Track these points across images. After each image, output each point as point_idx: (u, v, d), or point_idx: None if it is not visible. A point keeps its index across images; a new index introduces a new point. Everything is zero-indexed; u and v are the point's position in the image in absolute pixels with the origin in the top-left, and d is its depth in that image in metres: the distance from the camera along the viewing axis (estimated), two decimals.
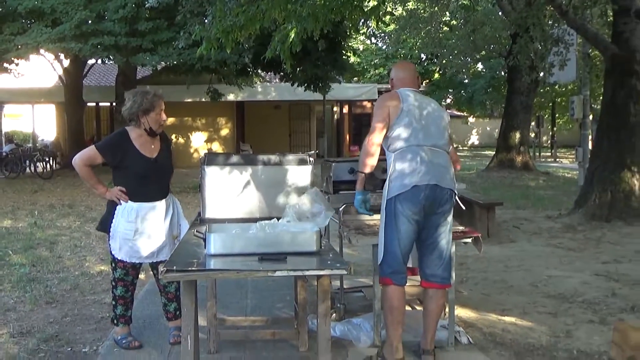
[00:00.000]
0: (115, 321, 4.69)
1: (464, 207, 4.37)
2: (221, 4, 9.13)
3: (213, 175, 4.22)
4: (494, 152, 22.89)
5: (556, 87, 24.47)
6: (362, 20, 10.36)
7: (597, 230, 9.60)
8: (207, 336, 4.56)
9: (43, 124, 33.48)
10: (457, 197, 4.27)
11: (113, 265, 4.60)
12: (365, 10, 7.24)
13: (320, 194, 3.71)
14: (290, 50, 6.30)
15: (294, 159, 4.31)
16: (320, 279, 2.99)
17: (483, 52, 27.52)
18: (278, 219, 4.05)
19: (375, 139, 4.20)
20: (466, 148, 43.95)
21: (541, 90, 26.38)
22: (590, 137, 15.97)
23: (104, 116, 27.50)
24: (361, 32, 36.06)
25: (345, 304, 5.25)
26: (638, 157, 10.39)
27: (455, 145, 4.44)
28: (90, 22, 12.77)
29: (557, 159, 31.76)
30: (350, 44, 26.94)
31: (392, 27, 32.09)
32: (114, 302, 4.68)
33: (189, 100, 24.20)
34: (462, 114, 45.75)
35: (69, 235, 9.72)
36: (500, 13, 20.50)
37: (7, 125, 32.75)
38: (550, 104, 33.98)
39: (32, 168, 21.80)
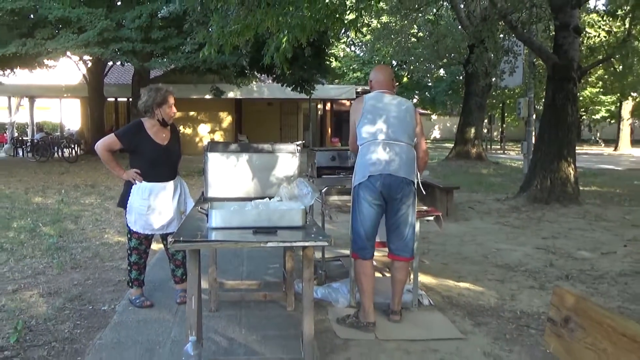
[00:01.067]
0: (130, 284, 4.67)
1: (424, 192, 4.36)
2: (222, 12, 9.09)
3: (215, 161, 4.20)
4: (453, 145, 22.99)
5: (506, 90, 24.52)
6: (343, 31, 10.32)
7: (538, 211, 9.68)
8: (209, 297, 4.54)
9: (69, 115, 33.27)
10: (418, 183, 4.27)
11: (129, 236, 4.58)
12: (346, 22, 7.18)
13: (308, 181, 3.70)
14: (284, 55, 6.25)
15: (283, 148, 4.29)
16: (306, 250, 2.99)
17: (445, 60, 27.59)
18: (270, 198, 4.05)
19: (350, 140, 4.34)
20: (429, 141, 43.99)
21: (493, 93, 26.48)
22: (533, 133, 16.03)
23: (121, 109, 27.30)
24: (342, 40, 36.03)
25: (325, 271, 5.27)
26: (573, 150, 10.50)
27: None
28: (110, 30, 12.60)
29: (506, 151, 31.98)
30: (332, 51, 26.90)
31: (368, 37, 32.09)
32: (129, 268, 4.66)
33: (195, 97, 24.01)
34: (426, 112, 45.80)
35: (91, 211, 9.64)
36: (459, 27, 20.51)
37: (38, 116, 32.42)
38: (500, 105, 34.13)
39: (60, 153, 21.63)
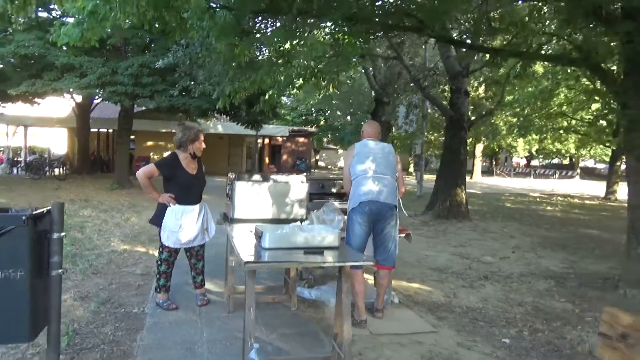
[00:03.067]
0: (158, 290, 4.17)
1: (406, 214, 4.18)
2: (207, 67, 8.63)
3: (241, 188, 3.82)
4: None
5: (402, 133, 25.00)
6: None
7: (442, 225, 9.76)
8: (227, 300, 4.13)
9: (54, 141, 31.01)
10: (400, 207, 4.10)
11: (160, 249, 4.09)
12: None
13: (334, 206, 3.40)
14: (270, 103, 5.94)
15: (295, 179, 3.98)
16: (345, 267, 2.70)
17: (351, 110, 27.95)
18: (286, 220, 3.73)
19: (345, 180, 4.14)
20: (336, 169, 44.21)
21: (395, 134, 26.90)
22: (424, 166, 16.42)
23: (102, 138, 25.69)
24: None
25: (313, 276, 4.94)
26: (464, 180, 10.72)
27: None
28: (107, 75, 11.72)
29: None
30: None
31: (295, 90, 31.99)
32: (157, 276, 4.16)
33: (164, 130, 22.93)
34: (335, 147, 46.22)
35: (92, 222, 8.77)
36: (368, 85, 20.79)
37: (28, 140, 29.87)
38: (397, 143, 34.53)
39: (51, 172, 19.93)
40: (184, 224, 3.96)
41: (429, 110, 14.44)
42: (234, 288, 4.15)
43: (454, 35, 6.76)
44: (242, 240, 3.04)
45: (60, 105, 23.52)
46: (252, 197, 3.82)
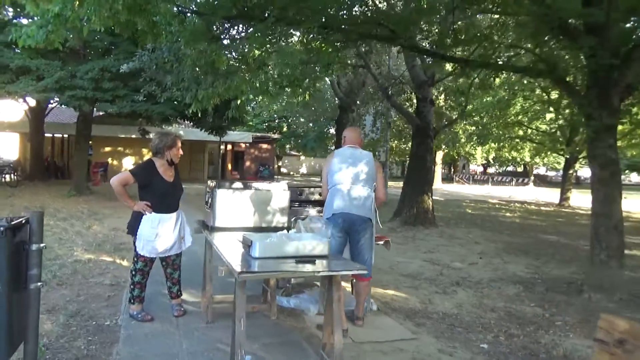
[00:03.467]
0: (132, 300, 4.02)
1: (381, 226, 4.21)
2: (176, 73, 8.46)
3: (222, 196, 3.75)
4: None
5: (366, 140, 25.27)
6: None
7: (410, 231, 9.89)
8: (205, 310, 4.03)
9: (3, 146, 29.64)
10: (376, 218, 4.10)
11: (135, 259, 3.96)
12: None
13: (318, 216, 3.38)
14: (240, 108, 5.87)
15: (277, 187, 3.94)
16: (336, 276, 2.69)
17: (314, 117, 28.07)
18: (268, 228, 3.68)
19: (323, 187, 4.15)
20: (299, 175, 44.23)
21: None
22: (389, 172, 16.63)
23: (57, 144, 24.70)
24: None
25: (290, 285, 4.89)
26: (430, 187, 10.91)
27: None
28: (65, 78, 11.27)
29: None
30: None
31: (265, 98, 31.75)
32: (132, 286, 4.01)
33: (123, 135, 22.30)
34: (298, 153, 46.21)
35: (51, 230, 8.37)
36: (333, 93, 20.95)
37: None
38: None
39: (1, 179, 18.98)
40: (160, 232, 3.85)
41: (393, 118, 14.64)
42: (212, 298, 4.05)
43: (423, 45, 6.90)
44: (229, 249, 2.97)
45: (12, 108, 22.48)
46: (234, 205, 3.75)
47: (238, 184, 3.81)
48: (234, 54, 6.56)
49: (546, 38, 5.62)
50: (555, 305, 5.11)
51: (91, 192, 15.31)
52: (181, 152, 4.00)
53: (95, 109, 13.30)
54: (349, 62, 10.96)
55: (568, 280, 6.23)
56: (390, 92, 11.12)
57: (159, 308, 4.28)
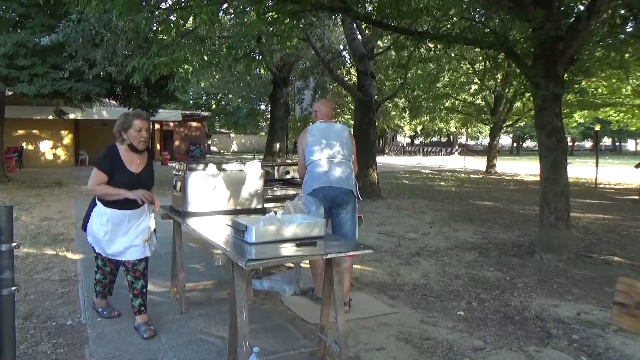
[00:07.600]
0: (96, 294, 3.70)
1: (360, 199, 4.14)
2: (108, 47, 7.82)
3: (194, 180, 3.50)
4: (263, 156, 22.80)
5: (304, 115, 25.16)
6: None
7: (359, 204, 9.97)
8: (179, 300, 3.80)
9: None
10: (356, 192, 4.05)
11: (95, 254, 3.59)
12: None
13: (308, 196, 3.23)
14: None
15: (250, 167, 3.74)
16: (335, 257, 2.59)
17: (244, 93, 27.46)
18: (242, 210, 3.51)
19: (300, 165, 4.03)
20: (229, 153, 43.21)
21: (291, 117, 26.89)
22: None
23: None
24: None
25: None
26: (374, 161, 11.03)
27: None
28: None
29: None
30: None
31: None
32: (94, 281, 3.68)
33: (38, 117, 20.60)
34: (227, 131, 45.14)
35: None
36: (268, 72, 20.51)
37: None
38: (298, 125, 34.38)
39: None
40: (111, 230, 3.34)
41: (330, 93, 14.61)
42: (184, 286, 3.83)
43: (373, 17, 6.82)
44: (217, 235, 2.78)
45: None
46: (207, 189, 3.52)
47: (212, 167, 3.56)
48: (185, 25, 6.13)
49: (496, 10, 5.73)
50: (513, 268, 5.37)
51: (8, 179, 14.06)
52: (144, 134, 3.48)
53: (7, 90, 12.03)
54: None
55: (517, 244, 6.57)
56: (331, 66, 11.01)
57: (126, 302, 3.97)
